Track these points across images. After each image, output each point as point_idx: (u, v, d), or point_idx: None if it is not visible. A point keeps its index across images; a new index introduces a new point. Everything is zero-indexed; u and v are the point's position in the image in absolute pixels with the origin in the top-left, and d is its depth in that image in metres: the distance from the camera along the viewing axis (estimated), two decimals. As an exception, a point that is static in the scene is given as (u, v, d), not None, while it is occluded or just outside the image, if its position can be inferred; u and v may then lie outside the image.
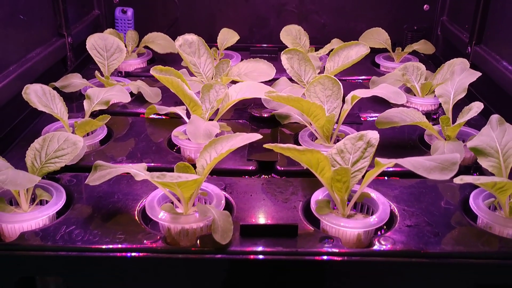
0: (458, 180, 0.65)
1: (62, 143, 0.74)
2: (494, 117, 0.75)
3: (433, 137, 0.89)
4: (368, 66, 1.28)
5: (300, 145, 0.85)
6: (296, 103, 0.83)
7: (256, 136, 0.70)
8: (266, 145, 0.66)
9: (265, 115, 0.98)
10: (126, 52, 1.26)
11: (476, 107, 0.83)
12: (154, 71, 0.87)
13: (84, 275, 0.62)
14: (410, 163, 0.63)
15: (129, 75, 1.22)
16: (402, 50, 1.30)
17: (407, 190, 0.76)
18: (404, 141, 0.91)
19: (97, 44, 1.07)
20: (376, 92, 0.87)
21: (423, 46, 1.30)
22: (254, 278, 0.63)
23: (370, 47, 1.05)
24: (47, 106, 0.85)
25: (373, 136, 0.71)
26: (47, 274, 0.63)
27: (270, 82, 1.04)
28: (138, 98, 1.06)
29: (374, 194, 0.72)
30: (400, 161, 0.64)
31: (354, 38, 1.08)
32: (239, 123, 0.98)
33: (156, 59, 1.31)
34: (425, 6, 1.39)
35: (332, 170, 0.67)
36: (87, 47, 1.06)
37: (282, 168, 0.82)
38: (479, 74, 0.91)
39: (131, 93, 1.04)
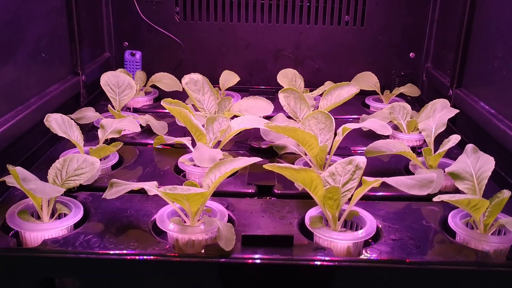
0: (436, 198, 0.73)
1: (81, 163, 0.82)
2: (469, 146, 0.84)
3: (417, 166, 0.98)
4: (359, 107, 1.38)
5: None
6: (292, 132, 0.92)
7: (256, 159, 0.79)
8: (266, 165, 0.74)
9: (264, 147, 1.07)
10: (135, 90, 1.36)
11: (454, 139, 0.92)
12: (165, 103, 0.97)
13: (100, 277, 0.69)
14: (393, 181, 0.72)
15: (137, 111, 1.31)
16: (390, 92, 1.40)
17: (392, 211, 0.84)
18: (391, 170, 1.00)
19: (110, 80, 1.17)
20: (364, 125, 0.96)
21: (410, 89, 1.41)
22: (253, 281, 0.70)
23: (360, 89, 1.15)
24: (66, 133, 0.94)
25: (361, 160, 0.80)
26: (68, 275, 0.70)
27: (268, 119, 1.13)
28: (146, 131, 1.15)
29: (362, 213, 0.80)
30: (385, 179, 0.72)
31: (345, 81, 1.18)
32: (240, 153, 1.07)
33: (162, 97, 1.40)
34: (411, 54, 1.51)
35: (324, 189, 0.75)
36: (101, 83, 1.15)
37: (279, 191, 0.90)
38: (456, 111, 1.01)
39: (140, 126, 1.13)
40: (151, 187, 0.74)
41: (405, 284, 0.70)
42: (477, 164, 0.81)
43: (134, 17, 1.47)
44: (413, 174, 0.95)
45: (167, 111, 1.26)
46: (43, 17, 1.11)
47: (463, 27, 1.20)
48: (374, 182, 0.72)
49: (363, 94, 1.42)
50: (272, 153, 1.05)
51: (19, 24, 1.00)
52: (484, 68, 1.14)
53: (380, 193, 0.90)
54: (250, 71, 1.54)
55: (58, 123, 0.94)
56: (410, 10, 1.47)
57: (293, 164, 1.00)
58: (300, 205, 0.85)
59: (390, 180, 0.71)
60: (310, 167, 0.98)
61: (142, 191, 0.86)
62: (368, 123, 0.96)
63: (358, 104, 1.40)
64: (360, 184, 0.76)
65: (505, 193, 0.75)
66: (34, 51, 1.07)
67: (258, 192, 0.91)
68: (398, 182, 0.71)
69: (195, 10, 1.48)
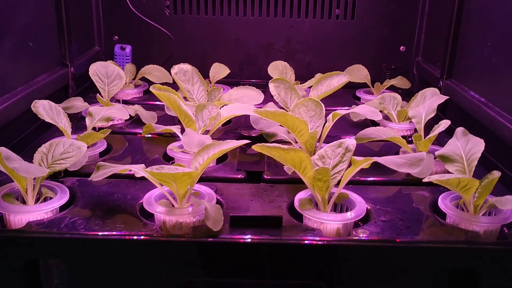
0: (426, 179, 0.73)
1: (67, 147, 0.80)
2: (459, 130, 0.84)
3: (407, 153, 0.97)
4: (350, 99, 1.38)
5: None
6: (281, 117, 0.91)
7: (244, 142, 0.79)
8: (254, 146, 0.74)
9: (254, 135, 1.06)
10: (124, 83, 1.35)
11: (444, 123, 0.92)
12: (154, 88, 0.96)
13: (85, 258, 0.68)
14: (383, 160, 0.71)
15: (126, 103, 1.30)
16: (381, 84, 1.40)
17: (383, 195, 0.84)
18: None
19: (99, 71, 1.16)
20: (355, 110, 0.96)
21: (400, 82, 1.41)
22: (242, 260, 0.69)
23: (351, 82, 1.14)
24: (53, 119, 0.92)
25: (351, 142, 0.79)
26: (52, 257, 0.68)
27: (258, 107, 1.13)
28: (135, 121, 1.14)
29: (352, 196, 0.79)
30: (375, 158, 0.72)
31: (336, 75, 1.19)
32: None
33: (152, 90, 1.40)
34: (401, 47, 1.51)
35: (313, 170, 0.74)
36: (89, 73, 1.14)
37: (269, 177, 0.89)
38: (446, 97, 1.01)
39: (130, 116, 1.12)
40: (138, 169, 0.73)
41: (395, 263, 0.69)
42: (467, 146, 0.81)
43: (124, 11, 1.46)
44: (403, 160, 0.95)
45: (156, 102, 1.26)
46: (31, 6, 1.10)
47: (453, 17, 1.21)
48: (363, 161, 0.72)
49: (354, 87, 1.42)
50: (262, 141, 1.03)
51: (7, 11, 0.99)
52: (474, 57, 1.14)
53: (371, 178, 0.90)
54: (241, 65, 1.53)
55: (46, 109, 0.92)
56: (400, 4, 1.48)
57: (283, 151, 1.00)
58: (290, 189, 0.84)
59: (380, 160, 0.71)
60: (300, 154, 0.97)
61: (130, 177, 0.86)
62: (358, 108, 0.96)
63: (349, 97, 1.40)
64: (350, 165, 0.75)
65: (495, 174, 0.75)
66: (22, 40, 1.06)
67: (247, 178, 0.90)
68: (388, 161, 0.70)
69: (185, 4, 1.48)
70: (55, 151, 0.80)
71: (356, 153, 0.76)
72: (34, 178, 0.76)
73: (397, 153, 1.00)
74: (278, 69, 1.37)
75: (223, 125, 1.14)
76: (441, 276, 0.69)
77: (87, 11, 1.46)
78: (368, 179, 0.89)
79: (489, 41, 1.06)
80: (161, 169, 0.68)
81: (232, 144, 0.77)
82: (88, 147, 0.96)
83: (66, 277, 0.69)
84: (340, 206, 0.80)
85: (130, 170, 0.73)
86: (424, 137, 0.96)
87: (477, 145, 0.80)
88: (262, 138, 1.04)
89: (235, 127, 1.13)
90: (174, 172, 0.68)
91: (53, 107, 0.94)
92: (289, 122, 0.91)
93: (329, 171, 0.74)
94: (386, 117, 1.18)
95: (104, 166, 0.75)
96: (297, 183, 0.84)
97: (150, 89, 0.96)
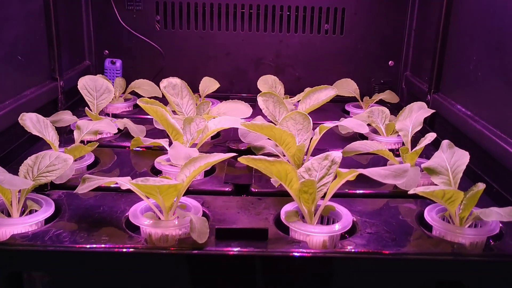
0: (412, 191, 0.73)
1: (53, 159, 0.80)
2: (445, 142, 0.84)
3: (395, 166, 0.98)
4: (339, 113, 1.39)
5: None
6: (269, 131, 0.91)
7: (231, 154, 0.79)
8: (240, 158, 0.74)
9: (242, 148, 1.06)
10: (114, 97, 1.35)
11: (430, 136, 0.92)
12: (141, 102, 0.96)
13: (69, 271, 0.67)
14: (368, 171, 0.71)
15: (116, 116, 1.30)
16: (370, 98, 1.41)
17: (369, 207, 0.84)
18: (369, 170, 1.00)
19: (88, 84, 1.16)
20: (342, 123, 0.96)
21: (389, 96, 1.42)
22: (228, 273, 0.68)
23: (340, 96, 1.15)
24: (40, 132, 0.92)
25: (337, 155, 0.80)
26: (36, 269, 0.68)
27: (247, 121, 1.13)
28: (123, 134, 1.14)
29: (338, 208, 0.79)
30: (360, 170, 0.72)
31: (326, 89, 1.20)
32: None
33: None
34: (390, 62, 1.53)
35: (299, 182, 0.75)
36: (78, 86, 1.15)
37: (256, 190, 0.89)
38: (432, 111, 1.02)
39: (118, 130, 1.12)
40: (124, 181, 0.73)
41: (382, 275, 0.69)
42: (452, 159, 0.81)
43: (114, 25, 1.47)
44: (390, 173, 0.96)
45: (145, 116, 1.26)
46: (21, 19, 1.10)
47: (439, 32, 1.22)
48: (349, 173, 0.72)
49: (343, 101, 1.43)
50: (250, 154, 1.04)
51: (-5, 25, 1.00)
52: (460, 71, 1.15)
53: (358, 191, 0.90)
54: (231, 79, 1.54)
55: (33, 122, 0.92)
56: (388, 20, 1.50)
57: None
58: (277, 202, 0.84)
59: (365, 171, 0.71)
60: (288, 167, 0.98)
61: (117, 190, 0.85)
62: (346, 122, 0.97)
63: (338, 111, 1.40)
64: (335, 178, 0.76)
65: (480, 186, 0.75)
66: (10, 53, 1.06)
67: (235, 191, 0.90)
68: (373, 172, 0.71)
69: (175, 18, 1.49)
70: (41, 164, 0.79)
71: (343, 166, 0.76)
72: (19, 191, 0.76)
73: (384, 165, 1.00)
74: (268, 83, 1.37)
75: (212, 138, 1.15)
76: (427, 288, 0.69)
77: (78, 25, 1.47)
78: (355, 191, 0.90)
79: (475, 55, 1.08)
80: (146, 181, 0.68)
81: (218, 157, 0.77)
82: (75, 160, 0.96)
83: (50, 290, 0.69)
84: (327, 218, 0.80)
85: (116, 183, 0.73)
86: (411, 150, 0.96)
87: (462, 158, 0.81)
88: (250, 151, 1.04)
89: (223, 140, 1.13)
90: (160, 184, 0.68)
91: (41, 120, 0.94)
92: (277, 136, 0.92)
93: (315, 183, 0.74)
94: (375, 131, 1.18)
95: (90, 179, 0.75)
96: (284, 195, 0.84)
97: (137, 102, 0.96)
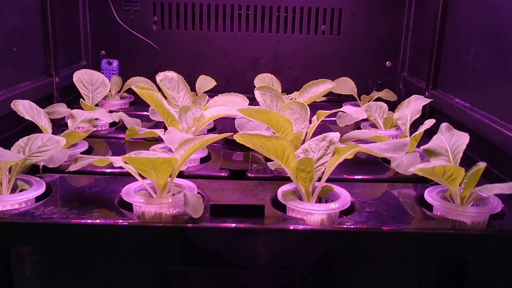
0: (412, 168, 0.71)
1: (46, 141, 0.79)
2: (444, 125, 0.83)
3: (393, 154, 0.96)
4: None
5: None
6: (265, 115, 0.90)
7: (226, 135, 0.77)
8: (235, 136, 0.72)
9: (239, 139, 1.05)
10: (110, 95, 1.34)
11: (429, 122, 0.91)
12: (137, 88, 0.95)
13: (59, 245, 0.65)
14: (368, 146, 0.70)
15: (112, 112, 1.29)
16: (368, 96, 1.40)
17: (368, 190, 0.82)
18: (367, 159, 0.98)
19: (83, 78, 1.15)
20: (340, 110, 0.95)
21: (387, 94, 1.41)
22: (223, 248, 0.66)
23: (338, 94, 1.14)
24: (33, 118, 0.91)
25: (335, 135, 0.78)
26: (24, 243, 0.65)
27: (244, 115, 1.12)
28: (119, 128, 1.13)
29: (337, 189, 0.77)
30: (360, 145, 0.70)
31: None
32: (214, 145, 1.04)
33: (138, 101, 1.39)
34: (387, 62, 1.53)
35: (297, 160, 0.73)
36: (74, 80, 1.14)
37: (252, 175, 0.88)
38: (430, 99, 1.01)
39: (114, 123, 1.10)
40: (117, 159, 0.71)
41: (382, 252, 0.67)
42: (452, 140, 0.80)
43: (111, 25, 1.47)
44: (389, 162, 0.94)
45: (142, 113, 1.25)
46: (17, 13, 1.10)
47: (436, 26, 1.22)
48: (347, 149, 0.71)
49: (340, 101, 1.43)
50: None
51: (-10, 14, 0.99)
52: (458, 65, 1.14)
53: (358, 176, 0.88)
54: (228, 79, 1.53)
55: (26, 108, 0.91)
56: (385, 20, 1.50)
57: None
58: (274, 185, 0.82)
59: (365, 146, 0.69)
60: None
61: (110, 174, 0.84)
62: (344, 108, 0.96)
63: (335, 109, 1.39)
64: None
65: (480, 164, 0.73)
66: (5, 43, 1.05)
67: (231, 176, 0.88)
68: (373, 147, 0.69)
69: (172, 19, 1.49)
70: (32, 145, 0.78)
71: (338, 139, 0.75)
72: (10, 170, 0.74)
73: (383, 159, 0.99)
74: (265, 81, 1.37)
75: (208, 131, 1.14)
76: (429, 264, 0.67)
77: (75, 25, 1.47)
78: (355, 177, 0.88)
79: (472, 47, 1.07)
80: (139, 154, 0.67)
81: (214, 136, 0.76)
82: (69, 147, 0.94)
83: (39, 268, 0.66)
84: (325, 200, 0.78)
85: (110, 167, 0.71)
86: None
87: (462, 138, 0.79)
88: (247, 141, 1.03)
89: (220, 132, 1.11)
90: (153, 157, 0.66)
91: (34, 107, 0.93)
92: (273, 121, 0.90)
93: (313, 161, 0.73)
94: (373, 125, 1.17)
95: (82, 158, 0.74)
96: (281, 180, 0.82)
97: (132, 87, 0.95)
